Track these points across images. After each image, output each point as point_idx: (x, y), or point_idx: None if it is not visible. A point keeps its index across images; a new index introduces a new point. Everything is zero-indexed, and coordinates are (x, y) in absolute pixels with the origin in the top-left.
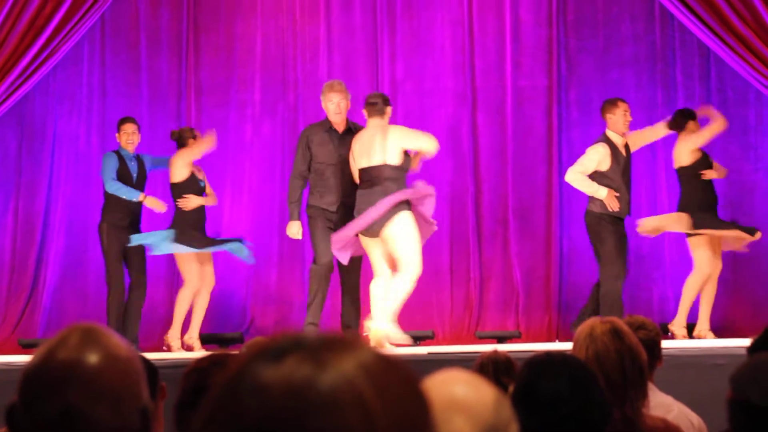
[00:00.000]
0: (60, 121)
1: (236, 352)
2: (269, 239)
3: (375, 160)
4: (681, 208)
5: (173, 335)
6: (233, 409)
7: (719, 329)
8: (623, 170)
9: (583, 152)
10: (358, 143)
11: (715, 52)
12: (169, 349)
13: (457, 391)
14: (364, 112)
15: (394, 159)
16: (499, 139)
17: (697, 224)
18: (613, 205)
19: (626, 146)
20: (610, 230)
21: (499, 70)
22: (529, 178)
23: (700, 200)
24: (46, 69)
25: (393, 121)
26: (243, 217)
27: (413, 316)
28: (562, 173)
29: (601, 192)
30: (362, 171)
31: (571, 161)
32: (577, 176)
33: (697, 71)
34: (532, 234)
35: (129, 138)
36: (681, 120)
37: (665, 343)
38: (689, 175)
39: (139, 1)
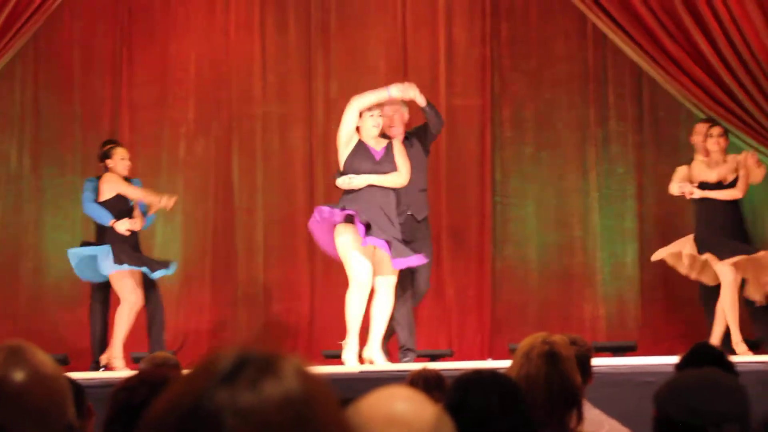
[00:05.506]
0: None
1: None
2: (202, 258)
3: None
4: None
5: (115, 354)
6: None
7: (649, 346)
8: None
9: (516, 171)
10: None
11: (647, 71)
12: (109, 369)
13: (396, 408)
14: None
15: None
16: (433, 158)
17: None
18: None
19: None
20: None
21: (433, 89)
22: (462, 196)
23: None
24: None
25: (327, 140)
26: (176, 235)
27: (344, 335)
28: (495, 192)
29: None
30: None
31: (504, 180)
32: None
33: (629, 91)
34: (466, 253)
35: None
36: None
37: (595, 361)
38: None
39: (73, 19)
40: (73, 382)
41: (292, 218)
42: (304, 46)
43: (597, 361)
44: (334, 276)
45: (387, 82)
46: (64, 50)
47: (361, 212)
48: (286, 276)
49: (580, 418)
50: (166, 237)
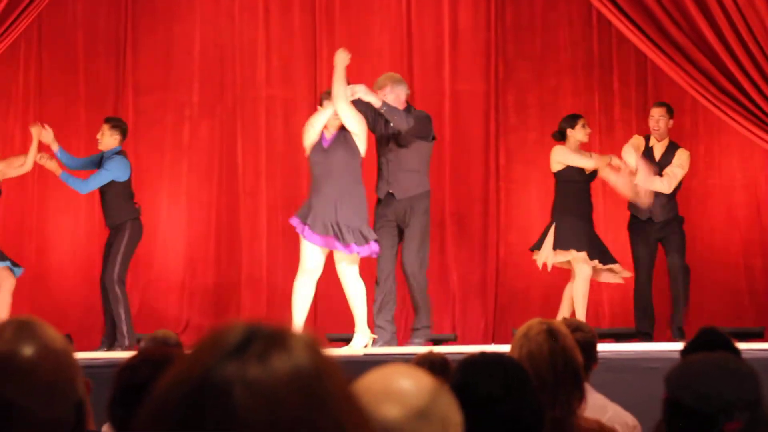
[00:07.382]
0: None
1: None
2: (206, 241)
3: None
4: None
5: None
6: (220, 409)
7: (654, 332)
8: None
9: (520, 157)
10: None
11: (652, 59)
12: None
13: (393, 381)
14: None
15: None
16: (437, 143)
17: None
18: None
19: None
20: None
21: (437, 75)
22: (466, 182)
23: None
24: None
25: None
26: (180, 218)
27: (348, 318)
28: (499, 178)
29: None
30: None
31: (509, 166)
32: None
33: (634, 78)
34: (469, 238)
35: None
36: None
37: (601, 346)
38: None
39: (76, 1)
40: None
41: (296, 202)
42: (309, 29)
43: (601, 347)
44: None
45: (391, 67)
46: (68, 32)
47: None
48: (290, 259)
49: (582, 399)
50: (170, 219)
